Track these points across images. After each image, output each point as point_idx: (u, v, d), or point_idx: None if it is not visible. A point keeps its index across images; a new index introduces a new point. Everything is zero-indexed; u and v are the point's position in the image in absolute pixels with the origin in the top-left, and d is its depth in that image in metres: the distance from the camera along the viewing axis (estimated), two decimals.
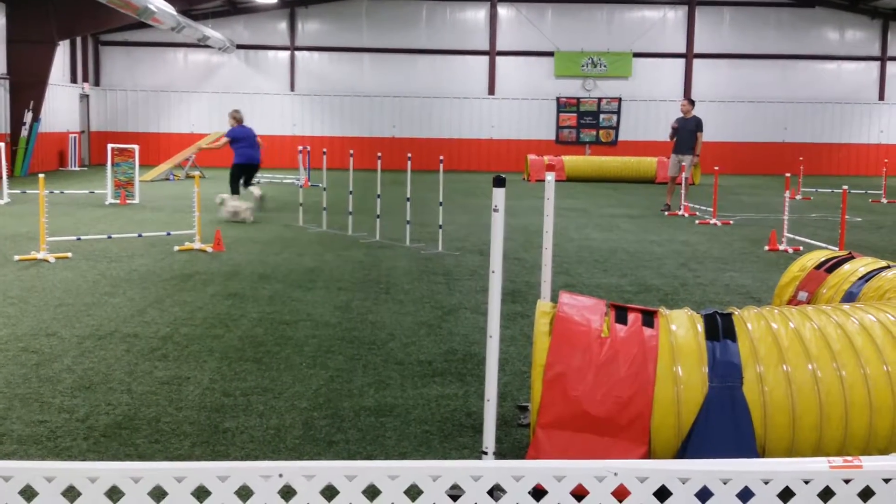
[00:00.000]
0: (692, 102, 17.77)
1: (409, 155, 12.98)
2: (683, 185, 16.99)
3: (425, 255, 11.09)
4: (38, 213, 10.34)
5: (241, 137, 15.82)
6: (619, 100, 31.53)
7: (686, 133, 17.28)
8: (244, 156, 15.75)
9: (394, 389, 5.55)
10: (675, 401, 3.83)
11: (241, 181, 15.93)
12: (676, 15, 31.54)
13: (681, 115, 17.71)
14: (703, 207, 17.34)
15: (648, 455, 3.84)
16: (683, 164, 17.29)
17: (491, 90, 31.42)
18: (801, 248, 11.96)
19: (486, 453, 3.95)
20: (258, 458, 4.43)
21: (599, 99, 31.56)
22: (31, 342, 6.51)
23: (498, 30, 31.26)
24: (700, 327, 4.06)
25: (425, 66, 31.37)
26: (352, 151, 14.46)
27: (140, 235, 12.05)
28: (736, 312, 4.23)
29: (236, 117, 16.19)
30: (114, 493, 2.02)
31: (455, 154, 30.61)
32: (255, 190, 16.23)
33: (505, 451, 4.50)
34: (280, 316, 7.52)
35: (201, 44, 28.35)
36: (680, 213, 16.53)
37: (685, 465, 2.04)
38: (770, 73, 31.77)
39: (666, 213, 16.79)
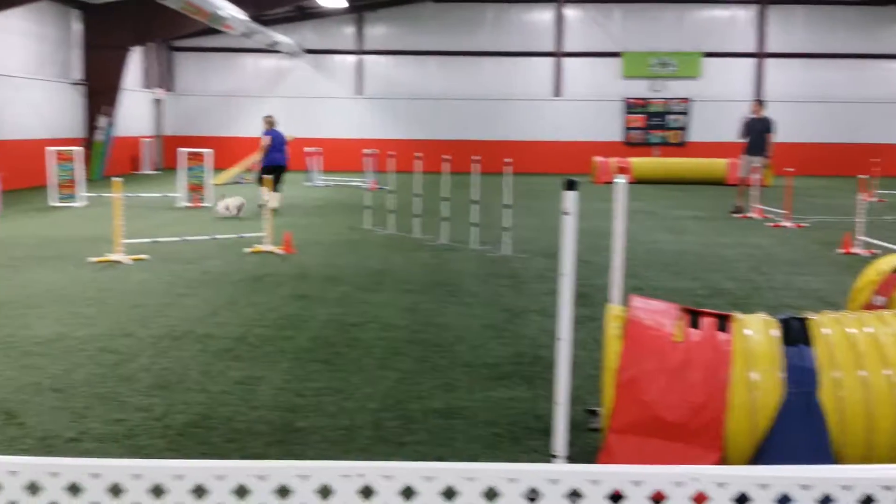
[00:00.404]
0: (761, 103, 17.46)
1: (476, 157, 13.00)
2: (755, 186, 16.69)
3: (492, 258, 11.10)
4: (113, 215, 10.62)
5: (273, 138, 16.84)
6: (689, 100, 31.10)
7: (756, 134, 17.02)
8: (269, 159, 16.64)
9: (462, 392, 5.57)
10: (749, 406, 3.78)
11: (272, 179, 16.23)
12: (747, 14, 30.99)
13: (752, 115, 17.45)
14: (776, 210, 17.00)
15: (722, 461, 3.79)
16: (754, 165, 17.00)
17: (557, 92, 31.28)
18: (876, 251, 11.64)
19: (556, 457, 3.94)
20: (330, 458, 4.49)
21: (668, 100, 31.17)
22: (108, 342, 6.70)
23: (564, 31, 31.11)
24: (775, 332, 3.99)
25: (491, 68, 31.37)
26: (419, 154, 14.54)
27: (213, 238, 12.29)
28: (812, 317, 4.15)
29: (269, 122, 17.17)
30: (199, 491, 2.06)
31: (521, 156, 30.43)
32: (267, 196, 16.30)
33: (574, 454, 4.48)
34: (349, 318, 7.61)
35: (271, 49, 28.81)
36: (751, 215, 16.24)
37: (765, 471, 2.02)
38: (844, 73, 30.99)
39: (737, 215, 16.52)
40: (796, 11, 30.93)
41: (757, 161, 17.01)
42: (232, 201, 15.70)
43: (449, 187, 12.93)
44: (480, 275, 9.88)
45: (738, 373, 3.82)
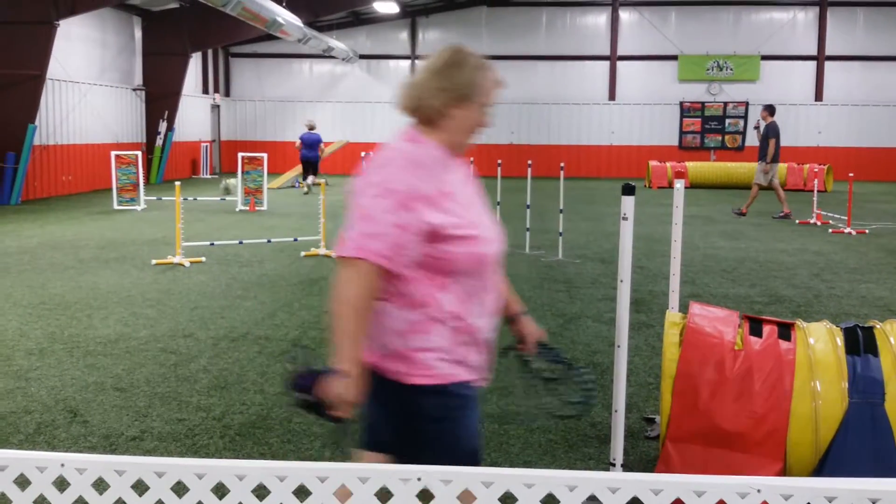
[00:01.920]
0: (767, 109, 17.59)
1: (530, 162, 12.96)
2: (814, 193, 16.42)
3: (545, 263, 11.05)
4: (173, 218, 10.80)
5: (303, 140, 22.12)
6: (747, 104, 30.63)
7: (762, 140, 17.30)
8: (302, 155, 22.26)
9: (517, 397, 5.55)
10: (812, 417, 3.70)
11: (308, 171, 22.35)
12: (807, 16, 30.43)
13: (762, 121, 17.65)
14: (837, 216, 16.66)
15: (784, 472, 3.72)
16: (762, 170, 17.21)
17: (612, 95, 31.05)
18: None
19: (613, 465, 3.90)
20: None
21: (725, 103, 30.73)
22: (169, 343, 6.81)
23: (619, 34, 30.88)
24: (840, 341, 3.90)
25: (545, 72, 31.26)
26: (472, 158, 14.55)
27: (269, 241, 12.44)
28: (878, 326, 4.05)
29: (307, 125, 22.62)
30: (260, 490, 2.09)
31: (575, 160, 30.38)
32: (310, 179, 22.15)
33: (631, 463, 4.44)
34: None
35: (326, 55, 29.09)
36: (812, 221, 15.94)
37: (832, 484, 1.97)
38: None
39: (779, 217, 16.78)
40: (857, 13, 30.28)
41: (759, 165, 17.20)
42: (233, 182, 19.84)
43: (502, 191, 12.90)
44: (534, 279, 9.84)
45: (800, 382, 3.75)
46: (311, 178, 22.10)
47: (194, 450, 4.59)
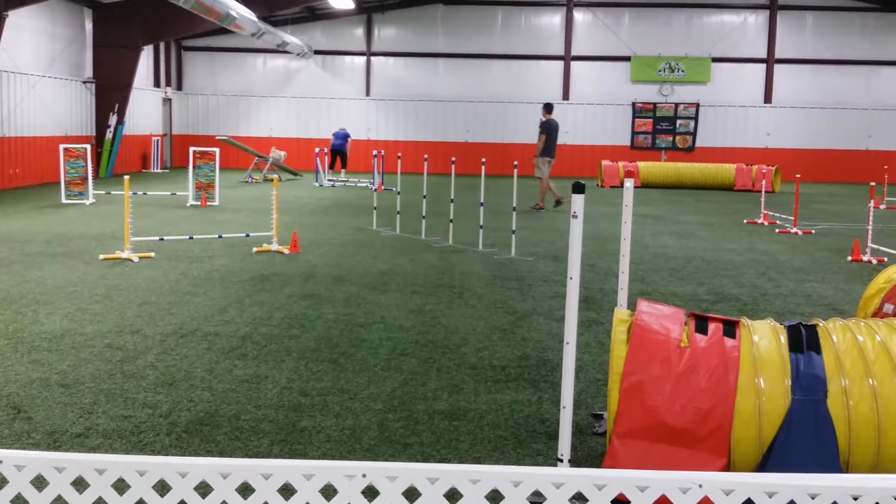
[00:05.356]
0: (546, 107, 18.60)
1: (483, 160, 12.99)
2: (762, 194, 16.66)
3: (498, 260, 11.09)
4: (122, 213, 10.64)
5: (334, 135, 27.11)
6: (697, 105, 31.04)
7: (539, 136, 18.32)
8: (332, 145, 26.90)
9: (467, 394, 5.57)
10: (756, 413, 3.76)
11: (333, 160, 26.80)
12: (757, 19, 30.93)
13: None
14: (784, 216, 16.97)
15: (728, 468, 3.77)
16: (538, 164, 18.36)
17: (565, 95, 31.25)
18: (886, 259, 11.61)
19: (561, 461, 3.93)
20: (334, 458, 4.49)
21: (676, 104, 31.11)
22: (115, 339, 6.71)
23: (573, 34, 31.09)
24: (783, 339, 3.97)
25: (500, 70, 31.36)
26: (426, 156, 14.54)
27: (220, 236, 12.31)
28: (820, 324, 4.13)
29: (340, 127, 27.97)
30: (203, 488, 2.07)
31: (529, 159, 30.45)
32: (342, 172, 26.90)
33: (579, 459, 4.48)
34: (355, 318, 7.61)
35: (280, 49, 28.87)
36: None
37: (772, 479, 2.01)
38: (854, 79, 30.90)
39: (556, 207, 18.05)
40: (806, 17, 30.85)
41: (536, 160, 18.31)
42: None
43: (455, 189, 12.92)
44: (487, 277, 9.88)
45: (745, 379, 3.81)
46: (342, 172, 26.83)
47: (140, 447, 4.53)
